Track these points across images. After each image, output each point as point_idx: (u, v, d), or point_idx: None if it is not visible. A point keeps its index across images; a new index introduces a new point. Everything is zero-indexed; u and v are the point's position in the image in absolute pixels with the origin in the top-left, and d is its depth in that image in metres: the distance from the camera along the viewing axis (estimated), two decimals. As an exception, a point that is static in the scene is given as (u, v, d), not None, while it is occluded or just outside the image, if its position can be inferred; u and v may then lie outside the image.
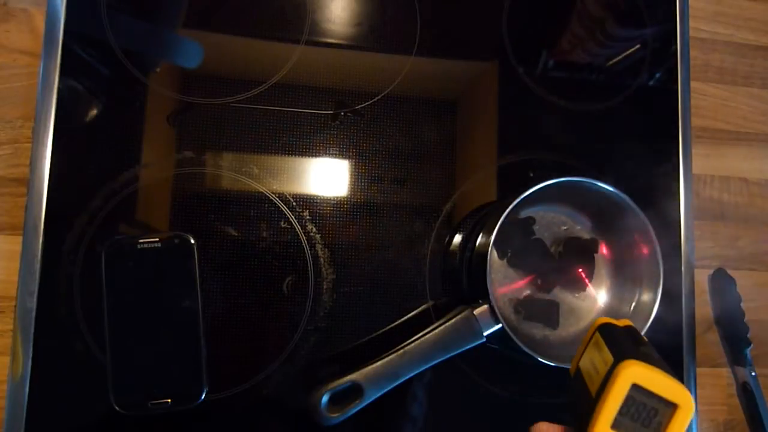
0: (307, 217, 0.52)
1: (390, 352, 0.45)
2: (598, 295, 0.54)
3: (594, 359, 0.33)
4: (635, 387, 0.30)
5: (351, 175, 0.54)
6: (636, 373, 0.30)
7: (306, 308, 0.51)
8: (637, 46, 0.61)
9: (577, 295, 0.54)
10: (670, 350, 0.55)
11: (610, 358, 0.31)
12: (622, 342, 0.32)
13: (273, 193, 0.52)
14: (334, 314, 0.51)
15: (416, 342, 0.45)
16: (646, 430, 0.30)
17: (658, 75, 0.60)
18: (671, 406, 0.30)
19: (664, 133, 0.59)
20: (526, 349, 0.45)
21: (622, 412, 0.30)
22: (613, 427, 0.30)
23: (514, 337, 0.45)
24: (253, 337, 0.50)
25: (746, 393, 0.57)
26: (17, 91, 0.53)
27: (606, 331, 0.34)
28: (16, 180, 0.52)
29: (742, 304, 0.59)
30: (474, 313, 0.46)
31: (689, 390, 0.55)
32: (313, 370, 0.50)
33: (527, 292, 0.53)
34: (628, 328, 0.35)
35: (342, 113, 0.54)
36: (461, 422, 0.52)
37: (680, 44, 0.61)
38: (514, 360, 0.49)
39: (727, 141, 0.65)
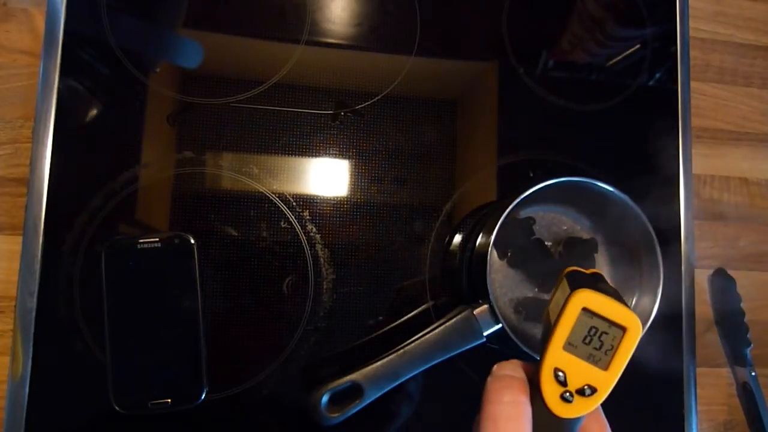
0: (307, 217, 0.52)
1: (390, 352, 0.45)
2: (598, 295, 0.54)
3: (558, 299, 0.34)
4: (586, 311, 0.32)
5: (351, 175, 0.54)
6: (586, 298, 0.32)
7: (306, 308, 0.51)
8: (637, 46, 0.61)
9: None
10: (670, 350, 0.55)
11: (568, 291, 0.33)
12: (582, 281, 0.34)
13: (273, 193, 0.52)
14: (334, 314, 0.51)
15: (416, 342, 0.45)
16: (597, 352, 0.32)
17: (658, 75, 0.60)
18: (621, 329, 0.32)
19: (664, 133, 0.59)
20: (526, 349, 0.45)
21: (574, 336, 0.32)
22: (565, 349, 0.32)
23: (514, 337, 0.45)
24: (253, 337, 0.50)
25: (746, 393, 0.57)
26: (17, 91, 0.53)
27: (572, 275, 0.36)
28: (16, 180, 0.52)
29: (742, 304, 0.59)
30: (474, 313, 0.46)
31: (690, 392, 0.55)
32: (313, 370, 0.50)
33: (527, 292, 0.53)
34: (594, 273, 0.37)
35: (342, 113, 0.54)
36: (461, 422, 0.52)
37: (680, 44, 0.61)
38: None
39: (727, 141, 0.65)
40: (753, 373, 0.57)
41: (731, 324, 0.60)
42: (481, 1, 0.59)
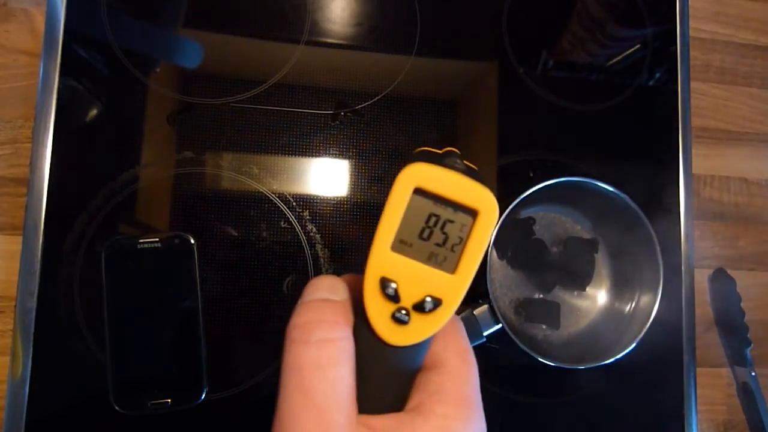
0: (307, 217, 0.52)
1: (390, 352, 0.45)
2: (598, 295, 0.54)
3: None
4: (421, 194, 0.23)
5: (351, 175, 0.54)
6: (419, 174, 0.22)
7: (306, 308, 0.51)
8: (637, 46, 0.61)
9: (577, 295, 0.54)
10: (670, 350, 0.55)
11: None
12: (427, 159, 0.23)
13: (273, 193, 0.52)
14: (334, 314, 0.51)
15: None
16: (440, 249, 0.23)
17: (658, 75, 0.60)
18: (470, 214, 0.23)
19: (664, 133, 0.59)
20: (527, 349, 0.45)
21: (406, 229, 0.23)
22: (394, 249, 0.23)
23: (514, 337, 0.45)
24: (253, 337, 0.50)
25: (746, 393, 0.57)
26: (17, 91, 0.53)
27: (419, 155, 0.24)
28: (16, 180, 0.52)
29: (742, 304, 0.59)
30: (474, 313, 0.46)
31: (689, 392, 0.55)
32: (313, 370, 0.50)
33: (527, 292, 0.53)
34: (448, 152, 0.25)
35: (342, 113, 0.54)
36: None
37: (680, 44, 0.61)
38: (514, 360, 0.49)
39: (727, 141, 0.65)
40: (753, 373, 0.57)
41: (731, 324, 0.60)
42: (481, 1, 0.59)
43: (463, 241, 0.23)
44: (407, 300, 0.23)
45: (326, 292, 0.24)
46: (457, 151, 0.25)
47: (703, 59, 0.65)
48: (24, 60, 0.53)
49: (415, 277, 0.23)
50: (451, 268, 0.23)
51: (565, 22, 0.60)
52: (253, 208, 0.51)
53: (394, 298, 0.23)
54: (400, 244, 0.23)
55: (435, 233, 0.23)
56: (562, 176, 0.47)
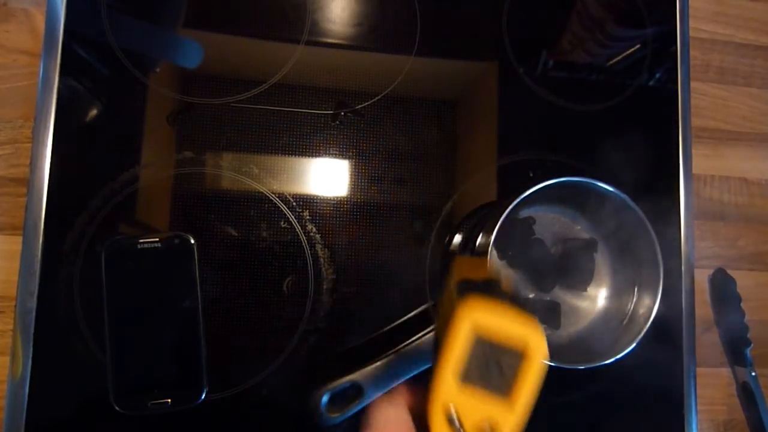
0: (307, 217, 0.52)
1: (390, 352, 0.45)
2: (598, 295, 0.54)
3: (446, 312, 0.29)
4: (478, 336, 0.27)
5: (351, 175, 0.54)
6: (473, 316, 0.26)
7: (306, 308, 0.51)
8: (637, 46, 0.61)
9: (577, 295, 0.54)
10: (670, 350, 0.55)
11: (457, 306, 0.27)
12: (470, 287, 0.28)
13: (273, 193, 0.52)
14: (334, 314, 0.51)
15: (416, 342, 0.45)
16: (497, 379, 0.26)
17: (658, 75, 0.60)
18: (519, 355, 0.26)
19: (664, 133, 0.59)
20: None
21: (465, 363, 0.26)
22: (456, 380, 0.27)
23: (514, 337, 0.45)
24: (253, 337, 0.50)
25: (746, 393, 0.57)
26: (17, 91, 0.53)
27: (464, 286, 0.30)
28: (16, 180, 0.52)
29: (742, 304, 0.59)
30: (474, 313, 0.46)
31: (689, 392, 0.55)
32: (313, 370, 0.50)
33: (527, 292, 0.53)
34: (488, 281, 0.31)
35: (342, 113, 0.54)
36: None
37: (680, 44, 0.61)
38: (514, 360, 0.49)
39: (727, 141, 0.65)
40: (753, 373, 0.57)
41: (731, 324, 0.59)
42: (481, 1, 0.59)
43: (516, 371, 0.26)
44: (468, 426, 0.26)
45: (394, 415, 0.29)
46: (496, 278, 0.30)
47: (703, 59, 0.65)
48: (24, 60, 0.53)
49: (475, 406, 0.26)
50: (508, 395, 0.26)
51: (565, 22, 0.60)
52: (253, 208, 0.51)
53: (457, 425, 0.26)
54: (461, 376, 0.26)
55: (491, 365, 0.27)
56: (562, 176, 0.47)
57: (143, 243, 0.47)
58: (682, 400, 0.55)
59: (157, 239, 0.47)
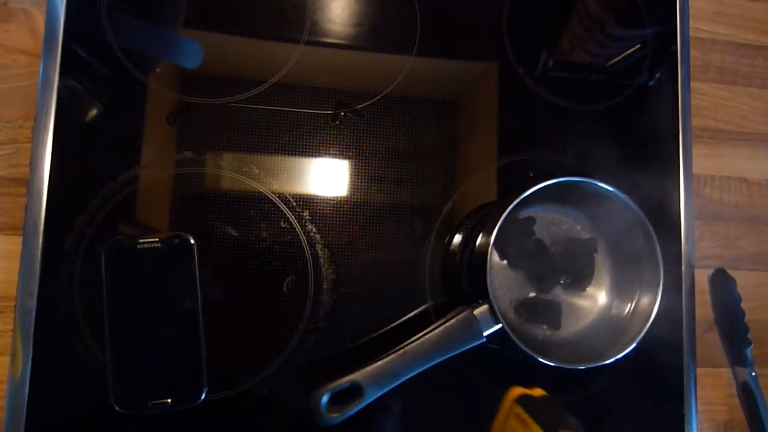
0: (307, 217, 0.52)
1: (390, 352, 0.45)
2: (598, 295, 0.54)
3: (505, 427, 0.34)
4: None
5: (351, 175, 0.54)
6: None
7: (306, 308, 0.51)
8: (637, 46, 0.61)
9: (577, 295, 0.54)
10: (670, 350, 0.55)
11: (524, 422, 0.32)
12: (546, 415, 0.34)
13: (273, 193, 0.52)
14: (334, 314, 0.51)
15: (416, 342, 0.45)
16: None
17: (658, 75, 0.60)
18: None
19: (664, 133, 0.59)
20: (527, 350, 0.45)
21: None
22: None
23: (514, 338, 0.45)
24: (253, 337, 0.50)
25: (746, 393, 0.57)
26: (17, 91, 0.53)
27: (526, 403, 0.35)
28: (16, 180, 0.52)
29: (742, 304, 0.59)
30: (474, 313, 0.46)
31: (690, 392, 0.55)
32: (313, 370, 0.50)
33: (528, 292, 0.53)
34: (543, 397, 0.37)
35: (342, 113, 0.54)
36: (461, 422, 0.52)
37: (680, 44, 0.61)
38: (514, 360, 0.49)
39: (727, 141, 0.65)
40: (753, 373, 0.57)
41: (731, 324, 0.59)
42: (481, 1, 0.59)
43: None
44: None
45: None
46: (546, 393, 0.36)
47: (703, 59, 0.65)
48: (24, 60, 0.53)
49: None
50: None
51: (565, 22, 0.60)
52: (253, 208, 0.51)
53: None
54: None
55: None
56: (562, 176, 0.47)
57: (143, 243, 0.47)
58: (682, 400, 0.55)
59: (157, 239, 0.47)
